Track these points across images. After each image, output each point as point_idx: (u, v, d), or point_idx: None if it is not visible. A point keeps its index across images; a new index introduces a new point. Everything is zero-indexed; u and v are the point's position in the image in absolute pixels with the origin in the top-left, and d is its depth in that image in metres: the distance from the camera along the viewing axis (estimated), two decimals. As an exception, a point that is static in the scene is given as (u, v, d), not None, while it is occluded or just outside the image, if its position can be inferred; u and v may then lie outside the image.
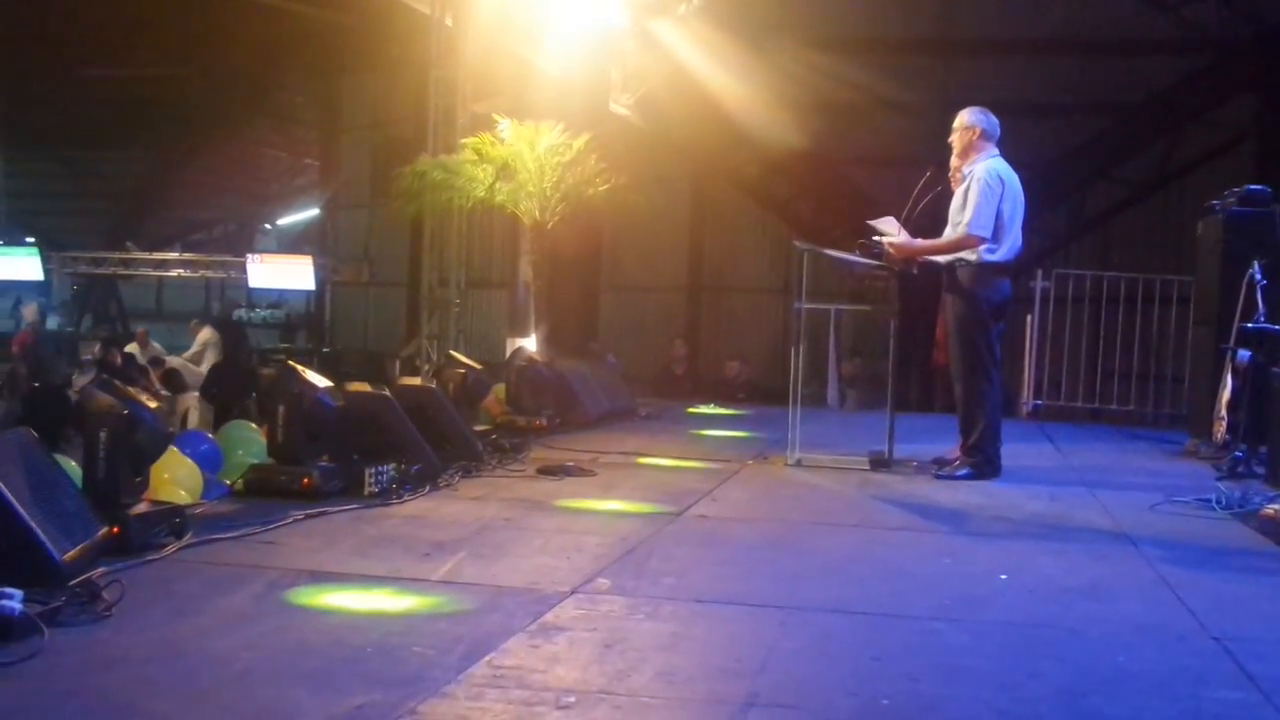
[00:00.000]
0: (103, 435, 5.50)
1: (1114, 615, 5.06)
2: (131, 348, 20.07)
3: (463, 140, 13.09)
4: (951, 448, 8.78)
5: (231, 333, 22.48)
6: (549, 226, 12.68)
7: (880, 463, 8.79)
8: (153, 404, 5.72)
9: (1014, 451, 9.06)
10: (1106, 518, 7.34)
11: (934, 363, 10.88)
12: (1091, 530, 6.95)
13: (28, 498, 4.94)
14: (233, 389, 15.91)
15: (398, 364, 18.48)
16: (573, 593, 5.09)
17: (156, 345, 20.90)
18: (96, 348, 21.21)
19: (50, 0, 19.81)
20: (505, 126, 12.50)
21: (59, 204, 31.34)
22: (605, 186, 12.48)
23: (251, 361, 20.63)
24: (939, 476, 8.43)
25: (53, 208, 31.21)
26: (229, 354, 19.92)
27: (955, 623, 4.78)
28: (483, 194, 12.64)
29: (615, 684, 3.95)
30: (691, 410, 12.98)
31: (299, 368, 7.25)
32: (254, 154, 31.55)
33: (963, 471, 8.40)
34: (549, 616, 4.72)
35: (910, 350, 12.68)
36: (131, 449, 5.59)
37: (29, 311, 23.82)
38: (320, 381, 7.21)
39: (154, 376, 16.96)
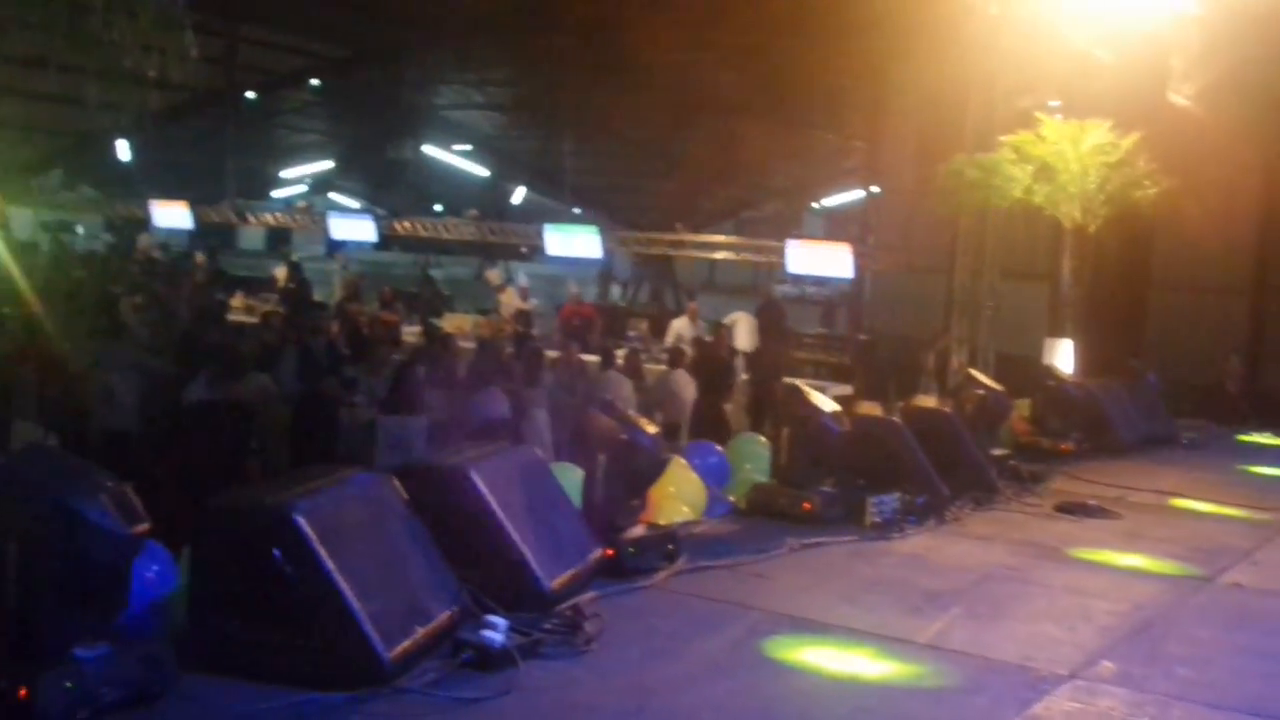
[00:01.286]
0: (601, 459, 5.59)
1: None
2: (680, 323, 20.50)
3: (1001, 138, 12.49)
4: None
5: (772, 313, 22.63)
6: (1091, 230, 11.88)
7: None
8: (651, 429, 5.76)
9: None
10: None
11: None
12: None
13: (524, 520, 5.09)
14: (769, 373, 16.02)
15: (932, 356, 18.02)
16: (1070, 677, 4.63)
17: (702, 323, 21.43)
18: (644, 325, 22.06)
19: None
20: (1048, 124, 11.81)
21: (622, 181, 33.00)
22: (1155, 190, 11.50)
23: (789, 345, 20.78)
24: None
25: (617, 184, 32.93)
26: (771, 335, 20.11)
27: None
28: (1020, 194, 12.02)
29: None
30: (1243, 439, 11.72)
31: (804, 389, 7.14)
32: (804, 136, 31.78)
33: None
34: (1038, 709, 4.30)
35: None
36: (629, 473, 5.66)
37: (571, 286, 24.94)
38: (826, 405, 7.05)
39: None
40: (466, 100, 27.66)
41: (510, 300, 22.78)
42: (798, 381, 7.58)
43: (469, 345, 16.16)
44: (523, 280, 25.12)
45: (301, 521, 4.04)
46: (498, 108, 28.49)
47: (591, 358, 17.09)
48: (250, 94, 24.18)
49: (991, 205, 12.72)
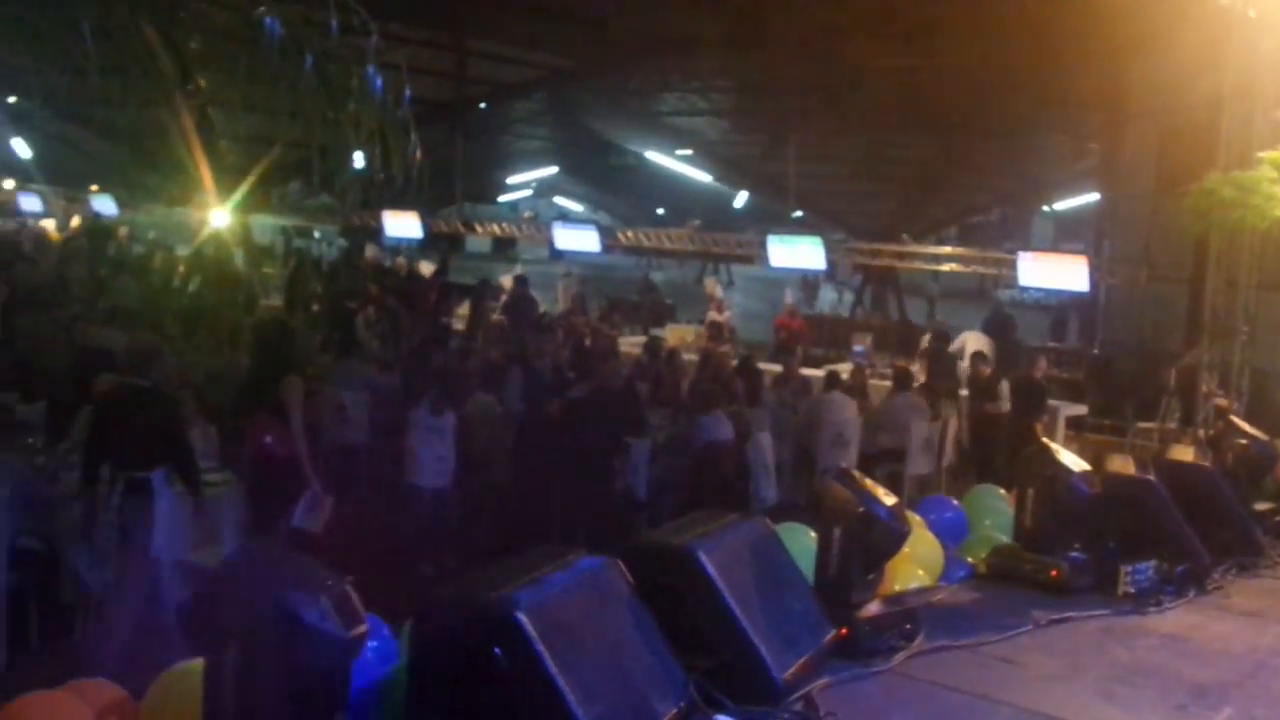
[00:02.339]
0: (837, 533, 5.28)
1: None
2: (974, 338, 19.43)
3: (1260, 154, 11.63)
4: None
5: (1001, 327, 21.67)
6: (1364, 251, 10.99)
7: None
8: (890, 500, 5.41)
9: None
10: None
11: None
12: None
13: (755, 603, 4.81)
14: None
15: (1174, 373, 17.00)
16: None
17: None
18: (926, 338, 21.17)
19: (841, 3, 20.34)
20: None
21: (845, 186, 32.53)
22: None
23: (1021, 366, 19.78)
24: None
25: (840, 190, 32.44)
26: (1001, 352, 19.18)
27: None
28: (1280, 214, 11.17)
29: None
30: None
31: (1053, 447, 6.67)
32: (1034, 139, 30.71)
33: None
34: None
35: None
36: (865, 547, 5.33)
37: (787, 295, 24.30)
38: (1075, 464, 6.57)
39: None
40: (690, 107, 27.55)
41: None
42: (1045, 440, 7.07)
43: (693, 357, 15.83)
44: (718, 291, 24.57)
45: (524, 619, 3.84)
46: (721, 114, 28.34)
47: (814, 372, 16.53)
48: (481, 105, 24.53)
49: (1249, 225, 11.89)
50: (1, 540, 7.29)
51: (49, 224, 30.99)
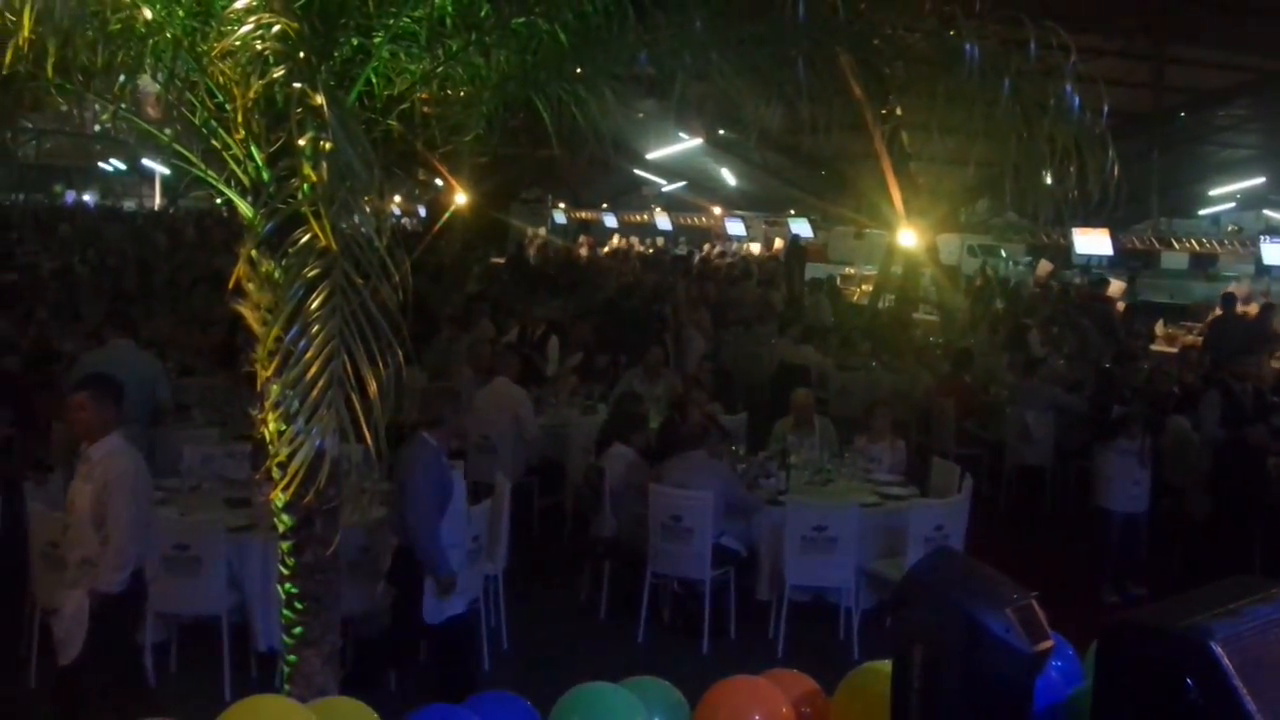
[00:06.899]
0: None
1: None
2: None
3: None
4: None
5: None
6: None
7: None
8: None
9: None
10: None
11: None
12: None
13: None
14: None
15: None
16: None
17: None
18: None
19: None
20: None
21: None
22: None
23: None
24: None
25: None
26: None
27: None
28: None
29: None
30: None
31: None
32: None
33: None
34: None
35: None
36: None
37: None
38: None
39: None
40: None
41: None
42: None
43: None
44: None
45: (1219, 651, 3.63)
46: None
47: None
48: (1180, 114, 23.30)
49: None
50: (707, 539, 7.99)
51: (753, 247, 33.20)
